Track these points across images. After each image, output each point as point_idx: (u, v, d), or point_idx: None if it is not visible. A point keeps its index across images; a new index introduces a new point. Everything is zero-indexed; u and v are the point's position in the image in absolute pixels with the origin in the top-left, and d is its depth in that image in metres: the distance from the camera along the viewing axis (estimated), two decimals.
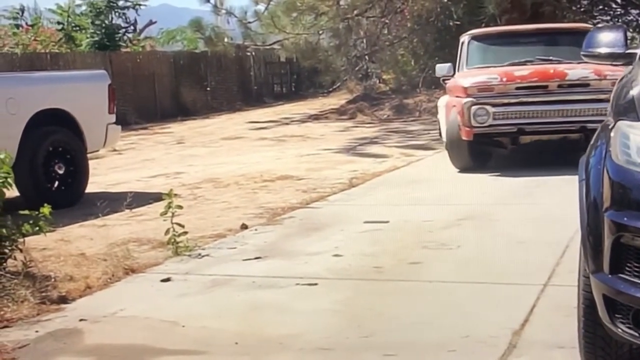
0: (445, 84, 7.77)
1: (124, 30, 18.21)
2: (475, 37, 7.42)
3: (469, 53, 7.25)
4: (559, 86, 6.36)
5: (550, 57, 6.94)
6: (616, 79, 6.08)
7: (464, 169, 6.68)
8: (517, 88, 6.42)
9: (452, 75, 7.60)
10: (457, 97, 6.76)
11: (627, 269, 1.98)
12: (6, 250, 3.67)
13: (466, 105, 6.37)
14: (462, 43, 7.54)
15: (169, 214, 4.22)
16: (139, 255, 4.23)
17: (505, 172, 6.54)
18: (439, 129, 8.54)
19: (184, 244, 4.26)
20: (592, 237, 2.07)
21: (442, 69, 7.66)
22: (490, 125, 6.34)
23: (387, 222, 4.83)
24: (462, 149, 6.59)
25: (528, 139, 6.59)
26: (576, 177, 2.28)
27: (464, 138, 6.47)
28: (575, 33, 6.88)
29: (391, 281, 3.60)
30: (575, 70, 6.33)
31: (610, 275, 1.99)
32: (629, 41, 2.80)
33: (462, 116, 6.40)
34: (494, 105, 6.33)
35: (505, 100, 6.36)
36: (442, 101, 8.63)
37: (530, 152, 7.02)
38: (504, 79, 6.51)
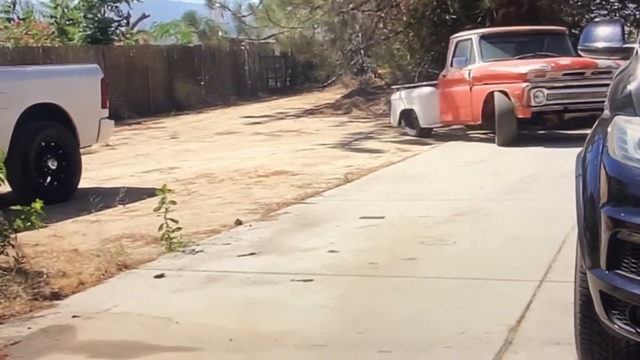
0: (445, 76, 9.25)
1: (116, 23, 18.09)
2: (483, 36, 8.85)
3: (482, 49, 8.66)
4: (592, 73, 7.74)
5: (547, 52, 8.57)
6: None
7: (508, 144, 7.91)
8: (564, 74, 7.85)
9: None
10: (506, 82, 8.01)
11: (623, 265, 1.96)
12: None
13: (527, 88, 7.72)
14: (469, 40, 8.90)
15: (163, 210, 4.19)
16: (133, 251, 4.20)
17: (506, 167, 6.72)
18: (411, 119, 9.66)
19: (178, 240, 4.23)
20: (588, 233, 2.06)
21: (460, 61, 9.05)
22: (544, 105, 7.75)
23: (383, 217, 4.82)
24: (513, 127, 7.92)
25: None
26: (572, 172, 2.27)
27: (520, 116, 7.80)
28: (556, 33, 9.09)
29: (387, 277, 3.59)
30: (602, 60, 7.32)
31: (607, 271, 1.98)
32: (626, 35, 2.78)
33: (521, 98, 7.74)
34: (547, 88, 7.74)
35: (556, 84, 7.78)
36: (417, 92, 9.76)
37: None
38: (554, 66, 7.94)
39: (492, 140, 8.44)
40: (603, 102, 7.00)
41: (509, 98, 7.88)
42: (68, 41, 16.83)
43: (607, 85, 7.26)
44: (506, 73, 8.14)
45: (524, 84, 7.74)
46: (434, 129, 9.57)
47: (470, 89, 8.47)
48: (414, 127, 9.57)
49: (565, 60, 8.09)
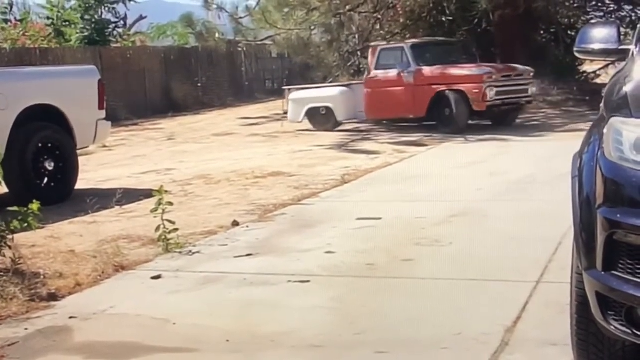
0: (376, 78, 10.66)
1: (114, 25, 18.06)
2: (413, 46, 10.62)
3: (415, 56, 10.41)
4: (515, 75, 10.24)
5: (456, 59, 10.71)
6: (527, 71, 9.23)
7: (461, 133, 9.60)
8: (502, 76, 10.07)
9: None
10: (462, 83, 9.89)
11: (620, 266, 1.97)
12: None
13: (484, 86, 9.70)
14: (399, 49, 10.60)
15: (160, 211, 4.19)
16: (129, 252, 4.20)
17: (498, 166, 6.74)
18: (318, 115, 11.07)
19: (175, 241, 4.23)
20: (585, 234, 2.06)
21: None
22: (493, 100, 9.82)
23: (379, 218, 4.82)
24: (466, 119, 9.97)
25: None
26: (569, 174, 2.27)
27: (477, 109, 9.83)
28: (457, 43, 11.73)
29: (384, 278, 3.59)
30: (518, 66, 10.41)
31: (603, 272, 1.98)
32: (622, 37, 2.78)
33: (479, 95, 9.70)
34: (495, 87, 9.83)
35: (499, 84, 9.92)
36: (330, 91, 11.32)
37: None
38: (496, 70, 10.13)
39: (489, 140, 8.84)
40: (517, 97, 10.45)
41: (462, 95, 9.74)
42: (65, 42, 16.80)
43: (518, 84, 9.56)
44: (461, 75, 10.02)
45: (482, 84, 9.72)
46: (344, 123, 11.25)
47: (413, 88, 10.20)
48: (324, 123, 11.03)
49: (499, 66, 10.44)
